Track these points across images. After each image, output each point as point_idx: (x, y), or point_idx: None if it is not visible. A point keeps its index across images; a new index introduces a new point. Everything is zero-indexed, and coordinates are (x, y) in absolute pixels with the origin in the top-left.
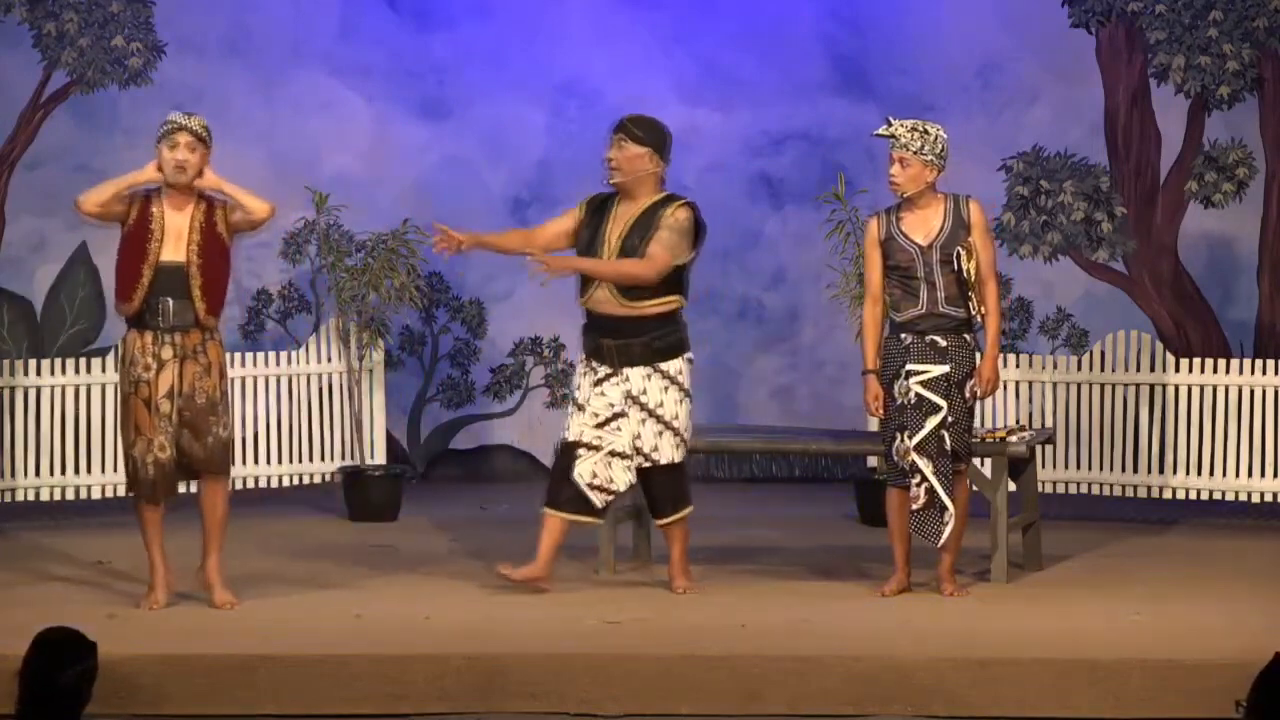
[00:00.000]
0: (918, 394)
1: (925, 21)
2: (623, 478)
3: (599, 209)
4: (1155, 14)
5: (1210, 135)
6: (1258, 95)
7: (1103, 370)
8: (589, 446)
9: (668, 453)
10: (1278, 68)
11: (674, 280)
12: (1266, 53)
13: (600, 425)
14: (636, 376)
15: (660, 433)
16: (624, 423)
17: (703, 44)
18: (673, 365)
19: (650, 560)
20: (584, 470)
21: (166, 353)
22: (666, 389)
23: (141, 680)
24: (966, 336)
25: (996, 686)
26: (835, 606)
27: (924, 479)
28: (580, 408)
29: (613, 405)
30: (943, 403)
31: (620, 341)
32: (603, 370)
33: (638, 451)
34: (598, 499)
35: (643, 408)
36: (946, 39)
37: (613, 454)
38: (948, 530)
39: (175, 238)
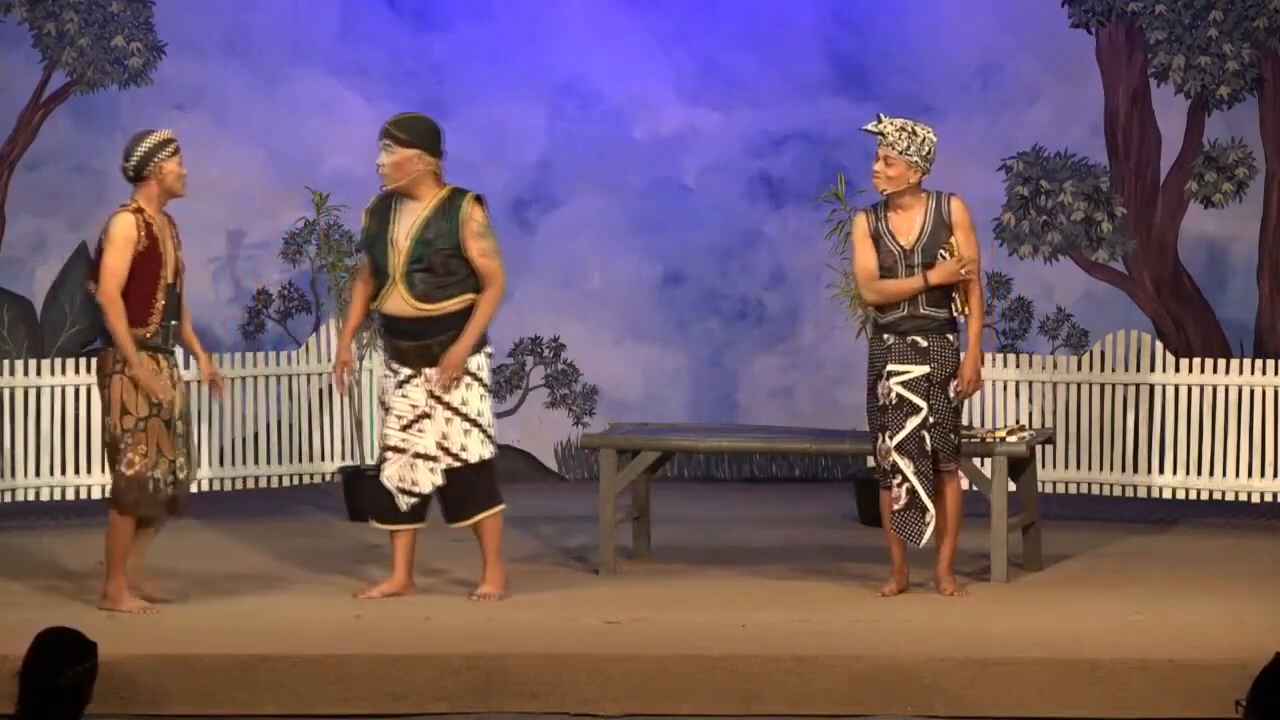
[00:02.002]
0: (898, 394)
1: (925, 21)
2: (426, 479)
3: (380, 213)
4: (1155, 14)
5: (1210, 135)
6: (1258, 95)
7: (1102, 370)
8: (395, 450)
9: (476, 450)
10: (1278, 68)
11: (470, 277)
12: (1266, 53)
13: (405, 428)
14: (437, 376)
15: (467, 430)
16: (428, 424)
17: (703, 44)
18: (473, 362)
19: (650, 559)
20: (391, 474)
21: (175, 374)
22: (469, 385)
23: (141, 680)
24: (950, 337)
25: (996, 686)
26: (835, 606)
27: (904, 479)
28: (387, 411)
29: (415, 406)
30: (923, 403)
31: (417, 343)
32: (404, 372)
33: (445, 452)
34: (403, 502)
35: (447, 406)
36: (946, 39)
37: (417, 455)
38: (928, 531)
39: (170, 259)
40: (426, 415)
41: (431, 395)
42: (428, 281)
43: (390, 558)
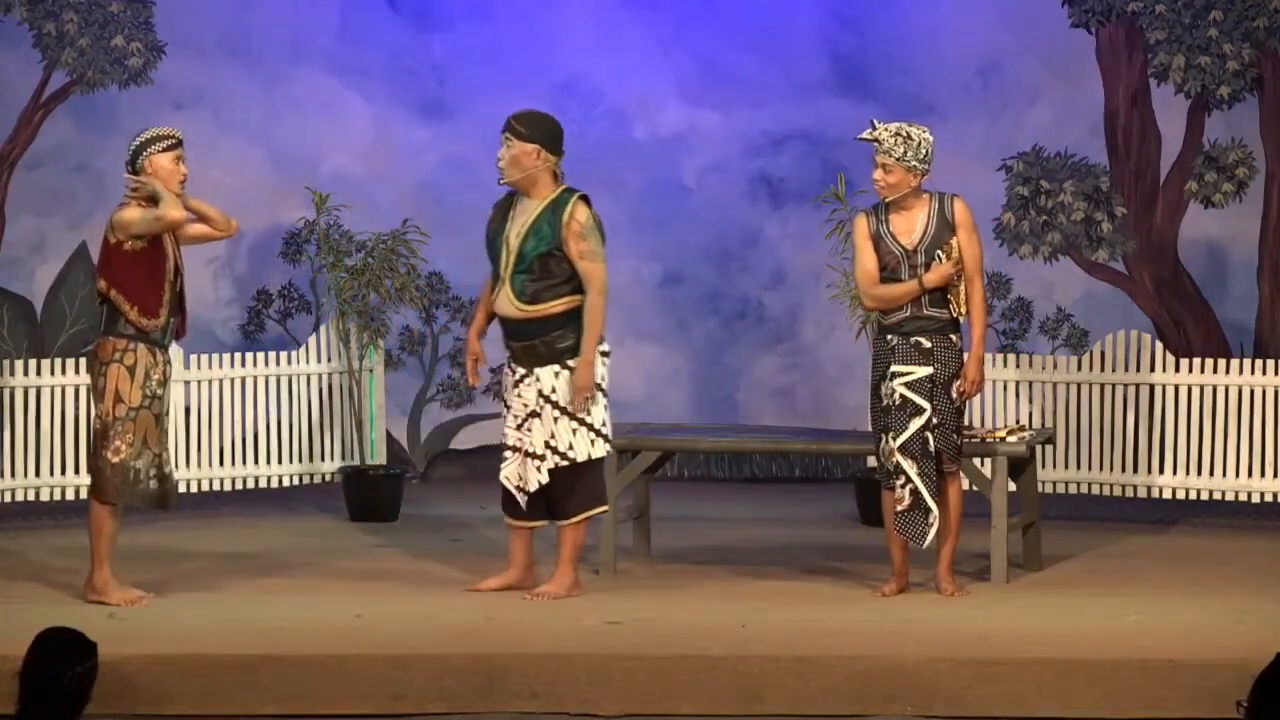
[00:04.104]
0: (901, 395)
1: (925, 21)
2: (533, 478)
3: (503, 210)
4: (1155, 14)
5: (1210, 135)
6: (1258, 95)
7: (1102, 370)
8: (513, 449)
9: (583, 449)
10: (1278, 68)
11: (574, 278)
12: (1266, 53)
13: (519, 426)
14: (547, 375)
15: (575, 429)
16: (536, 423)
17: (703, 44)
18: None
19: (650, 560)
20: (510, 473)
21: (167, 370)
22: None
23: (141, 680)
24: (953, 337)
25: (996, 686)
26: (835, 606)
27: (908, 480)
28: (508, 409)
29: (527, 406)
30: (926, 404)
31: (525, 343)
32: (519, 371)
33: (554, 451)
34: (521, 500)
35: (555, 405)
36: (946, 39)
37: (528, 455)
38: (932, 532)
39: (172, 255)
40: (535, 414)
41: (541, 394)
42: (532, 283)
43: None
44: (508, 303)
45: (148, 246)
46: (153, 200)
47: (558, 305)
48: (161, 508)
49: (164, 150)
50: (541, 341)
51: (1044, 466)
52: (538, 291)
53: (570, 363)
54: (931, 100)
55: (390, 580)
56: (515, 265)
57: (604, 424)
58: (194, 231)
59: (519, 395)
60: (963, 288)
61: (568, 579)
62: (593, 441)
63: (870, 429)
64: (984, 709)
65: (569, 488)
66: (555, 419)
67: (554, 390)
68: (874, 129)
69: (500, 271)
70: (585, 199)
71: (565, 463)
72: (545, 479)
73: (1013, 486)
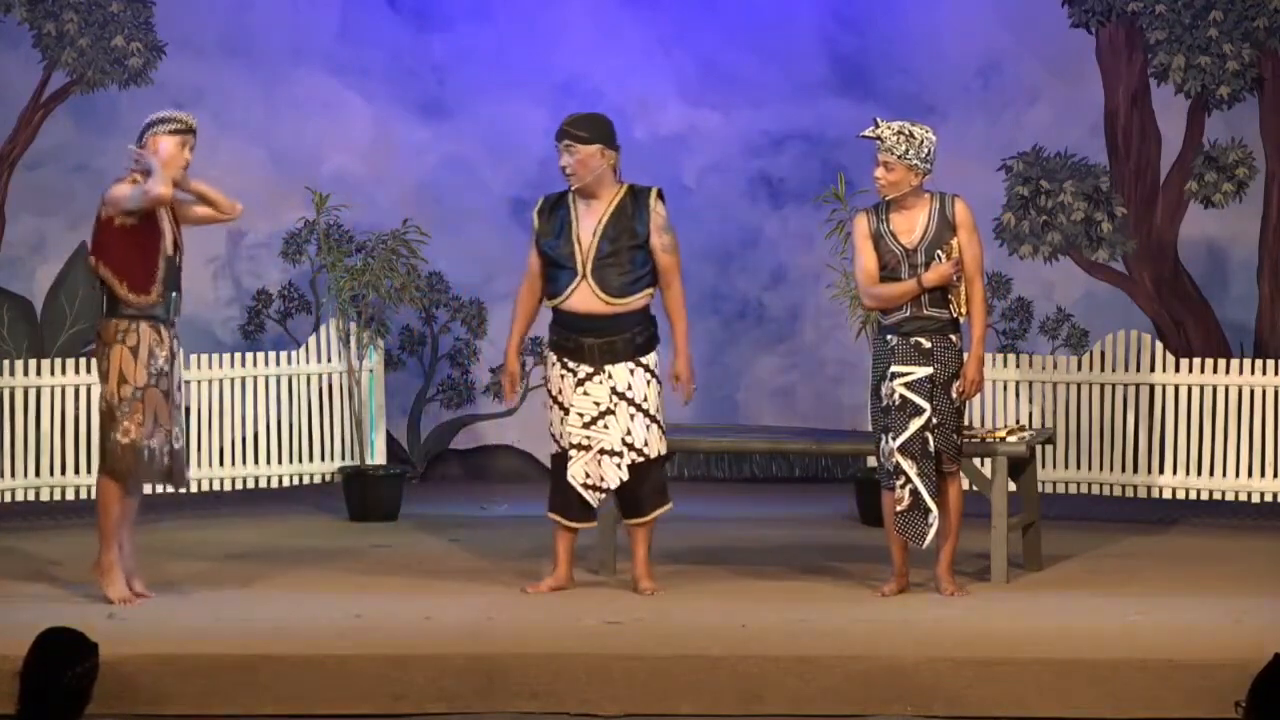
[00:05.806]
0: (901, 396)
1: (925, 21)
2: (614, 474)
3: (555, 209)
4: (1155, 14)
5: (1210, 135)
6: (1258, 95)
7: (1102, 370)
8: (579, 447)
9: (656, 445)
10: (1278, 68)
11: (651, 273)
12: (1266, 53)
13: (588, 425)
14: (621, 372)
15: (648, 426)
16: (612, 420)
17: (703, 44)
18: (651, 358)
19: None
20: (577, 472)
21: (175, 345)
22: (649, 382)
23: (141, 680)
24: (953, 337)
25: (996, 686)
26: (835, 606)
27: (908, 480)
28: (565, 410)
29: (599, 404)
30: (926, 405)
31: (604, 340)
32: (583, 370)
33: (630, 448)
34: (593, 498)
35: (630, 403)
36: (946, 39)
37: (602, 451)
38: (932, 532)
39: (168, 231)
40: (610, 412)
41: (615, 391)
42: (617, 277)
43: (553, 552)
44: (593, 299)
45: (140, 222)
46: (147, 174)
47: (642, 298)
48: (170, 483)
49: (169, 133)
50: (622, 338)
51: (1044, 466)
52: (626, 285)
53: (643, 360)
54: (931, 100)
55: (390, 580)
56: (596, 260)
57: (663, 420)
58: (199, 214)
59: (586, 394)
60: (962, 288)
61: (650, 573)
62: (661, 438)
63: (870, 429)
64: (984, 709)
65: (643, 486)
66: (632, 415)
67: (630, 387)
68: (876, 127)
69: (577, 269)
70: (661, 194)
71: (641, 459)
72: (626, 475)
73: (1013, 486)
